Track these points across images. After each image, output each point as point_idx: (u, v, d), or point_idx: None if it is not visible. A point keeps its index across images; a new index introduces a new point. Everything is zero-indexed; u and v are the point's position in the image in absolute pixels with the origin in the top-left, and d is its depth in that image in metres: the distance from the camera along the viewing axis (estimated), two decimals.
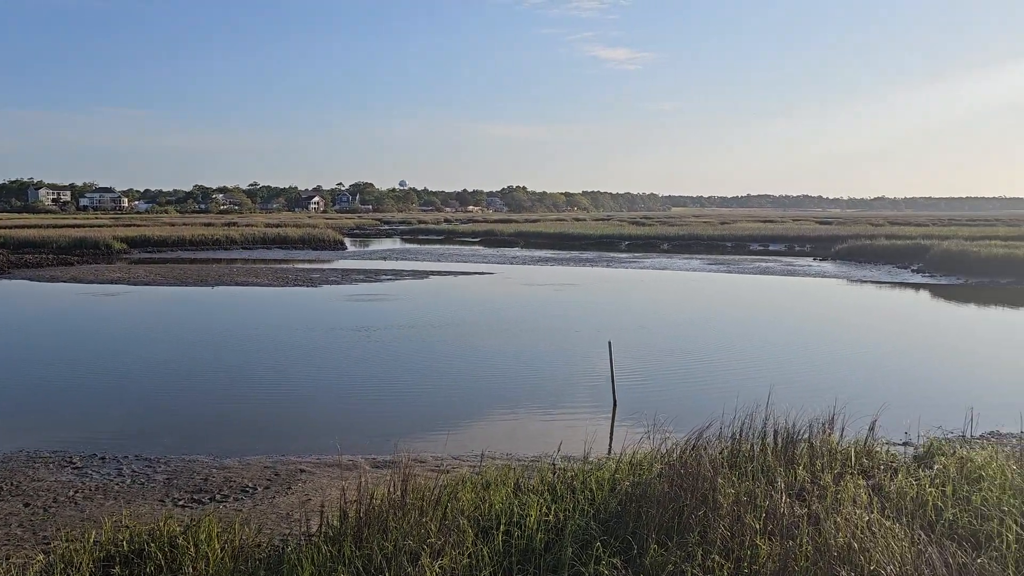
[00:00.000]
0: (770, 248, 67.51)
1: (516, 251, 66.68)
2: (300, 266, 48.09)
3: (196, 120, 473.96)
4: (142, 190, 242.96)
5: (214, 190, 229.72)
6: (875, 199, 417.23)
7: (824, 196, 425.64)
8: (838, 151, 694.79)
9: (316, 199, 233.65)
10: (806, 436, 7.99)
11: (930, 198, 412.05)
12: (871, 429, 8.48)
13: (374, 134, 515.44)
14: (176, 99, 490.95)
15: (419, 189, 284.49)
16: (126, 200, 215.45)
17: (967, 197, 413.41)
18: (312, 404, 15.05)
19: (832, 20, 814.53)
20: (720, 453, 7.82)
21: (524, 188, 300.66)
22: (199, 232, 69.05)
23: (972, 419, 9.43)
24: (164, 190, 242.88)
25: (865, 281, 39.56)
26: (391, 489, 6.69)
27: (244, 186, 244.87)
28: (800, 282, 39.36)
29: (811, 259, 54.56)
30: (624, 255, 60.06)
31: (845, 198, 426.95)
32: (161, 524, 6.52)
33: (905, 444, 10.64)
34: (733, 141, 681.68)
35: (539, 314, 27.36)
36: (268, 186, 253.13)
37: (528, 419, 13.99)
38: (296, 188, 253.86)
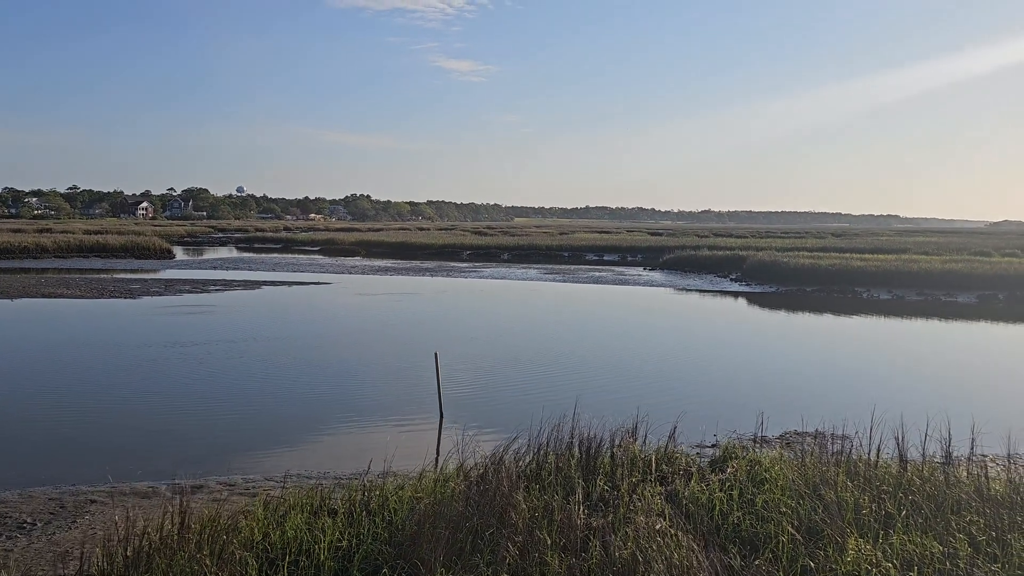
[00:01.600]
0: (604, 258, 69.96)
1: (356, 260, 65.49)
2: (120, 276, 44.84)
3: (6, 116, 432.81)
4: None
5: (27, 193, 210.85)
6: (702, 212, 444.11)
7: (657, 208, 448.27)
8: (670, 166, 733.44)
9: (144, 205, 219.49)
10: (609, 445, 8.13)
11: (751, 211, 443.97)
12: (671, 436, 8.76)
13: (210, 138, 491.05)
14: None
15: (258, 196, 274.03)
16: None
17: (783, 211, 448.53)
18: (111, 427, 13.87)
19: (671, 37, 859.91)
20: (525, 466, 7.82)
21: (368, 197, 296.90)
22: (5, 240, 62.89)
23: (763, 423, 9.97)
24: None
25: (689, 290, 41.74)
26: (171, 520, 6.17)
27: (62, 189, 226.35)
28: (629, 291, 40.96)
29: (642, 269, 57.03)
30: (465, 265, 60.34)
31: (675, 210, 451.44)
32: None
33: (703, 448, 11.09)
34: (573, 154, 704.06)
35: (371, 325, 26.84)
36: (90, 190, 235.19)
37: (350, 435, 13.56)
38: (122, 193, 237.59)
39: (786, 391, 17.33)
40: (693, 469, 8.35)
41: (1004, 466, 9.99)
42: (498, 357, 20.78)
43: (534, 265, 60.50)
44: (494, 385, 17.52)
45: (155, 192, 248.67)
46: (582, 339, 24.33)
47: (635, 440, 8.82)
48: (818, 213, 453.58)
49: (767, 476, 7.60)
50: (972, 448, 8.34)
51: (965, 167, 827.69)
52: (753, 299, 37.61)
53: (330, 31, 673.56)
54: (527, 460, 8.04)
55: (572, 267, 59.02)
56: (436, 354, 15.54)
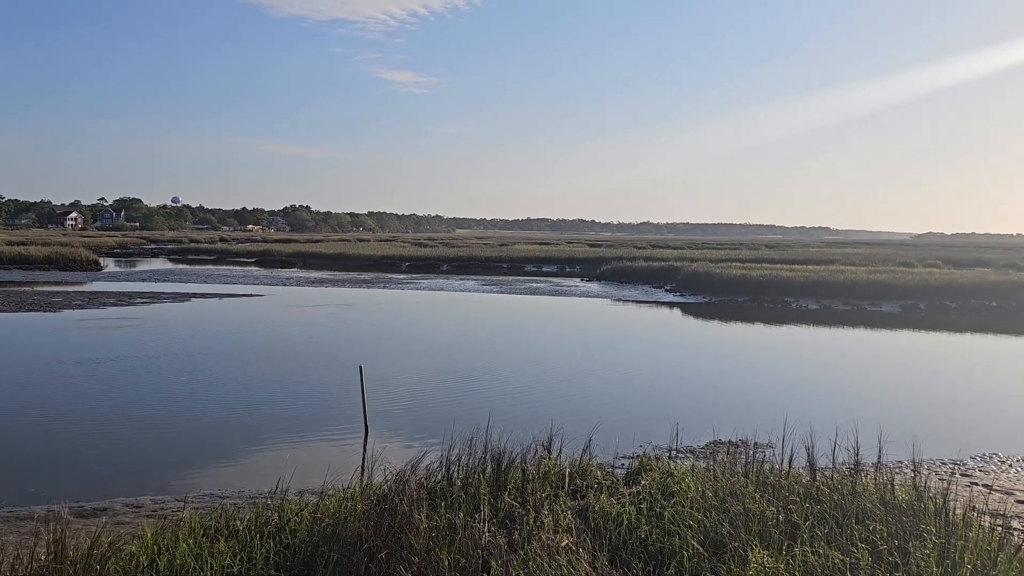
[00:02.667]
0: (543, 269, 70.19)
1: (293, 272, 64.40)
2: (42, 288, 43.15)
3: None
4: None
5: None
6: (641, 224, 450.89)
7: (597, 220, 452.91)
8: (611, 179, 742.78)
9: (74, 215, 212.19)
10: (521, 460, 7.98)
11: (689, 223, 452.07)
12: (585, 449, 8.66)
13: (144, 147, 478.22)
14: None
15: (194, 207, 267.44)
16: None
17: (720, 223, 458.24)
18: (11, 448, 13.14)
19: (613, 53, 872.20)
20: (435, 483, 7.63)
21: (308, 208, 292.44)
22: None
23: (678, 434, 9.97)
24: None
25: (624, 300, 42.05)
26: (46, 549, 5.79)
27: None
28: (565, 302, 41.08)
29: (579, 280, 57.32)
30: (403, 276, 59.84)
31: (616, 222, 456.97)
32: None
33: (621, 460, 11.01)
34: (516, 166, 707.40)
35: (299, 338, 26.28)
36: (15, 200, 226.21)
37: (271, 451, 13.14)
38: (50, 203, 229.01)
39: (708, 401, 17.42)
40: (608, 482, 8.27)
41: (911, 472, 10.18)
42: (427, 369, 20.53)
43: (473, 276, 60.31)
44: (421, 398, 17.27)
45: (85, 202, 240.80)
46: (511, 350, 24.24)
47: (550, 454, 8.70)
48: (753, 225, 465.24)
49: (678, 488, 7.55)
50: (880, 456, 8.45)
51: (893, 182, 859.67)
52: (685, 309, 38.08)
53: (271, 41, 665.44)
54: (439, 476, 7.85)
55: (511, 278, 59.01)
56: (361, 367, 15.22)
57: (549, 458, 8.55)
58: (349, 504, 6.68)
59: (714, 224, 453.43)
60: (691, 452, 11.49)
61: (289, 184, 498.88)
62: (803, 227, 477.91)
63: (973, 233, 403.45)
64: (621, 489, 7.87)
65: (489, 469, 7.67)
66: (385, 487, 6.81)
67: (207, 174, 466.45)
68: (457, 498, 7.02)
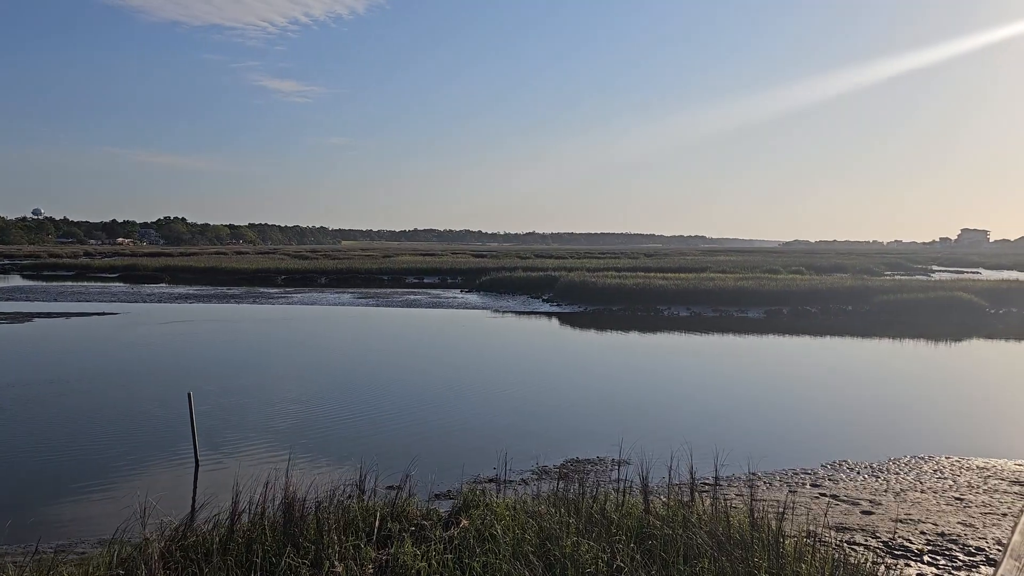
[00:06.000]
0: (425, 281, 69.01)
1: (158, 288, 60.69)
2: None
3: None
4: None
5: None
6: (527, 234, 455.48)
7: (484, 231, 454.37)
8: (500, 191, 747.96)
9: None
10: (315, 506, 6.95)
11: (573, 233, 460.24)
12: (400, 486, 7.67)
13: (2, 159, 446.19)
14: None
15: (58, 219, 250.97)
16: None
17: (602, 233, 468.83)
18: None
19: (501, 66, 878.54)
20: (222, 536, 6.53)
21: (183, 220, 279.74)
22: None
23: (507, 462, 9.19)
24: None
25: (500, 311, 41.46)
26: None
27: None
28: (439, 314, 40.11)
29: (459, 291, 56.49)
30: (276, 291, 57.34)
31: (503, 232, 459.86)
32: None
33: (448, 496, 10.07)
34: (403, 178, 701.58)
35: (138, 362, 24.22)
36: None
37: (89, 492, 11.57)
38: None
39: (557, 421, 16.41)
40: (429, 524, 7.38)
41: (763, 490, 9.77)
42: (273, 393, 19.10)
43: (350, 289, 58.47)
44: (257, 426, 15.84)
45: None
46: (361, 370, 23.04)
47: (363, 493, 7.73)
48: (634, 234, 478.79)
49: (497, 531, 6.74)
50: (716, 482, 7.93)
51: (765, 193, 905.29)
52: (559, 319, 37.84)
53: (142, 48, 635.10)
54: (225, 528, 6.74)
55: (389, 291, 57.55)
56: (190, 394, 13.82)
57: (361, 499, 7.58)
58: (81, 570, 5.50)
59: (597, 234, 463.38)
60: (525, 482, 10.64)
61: (164, 196, 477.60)
62: (681, 235, 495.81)
63: (835, 240, 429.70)
64: (437, 533, 6.98)
65: (281, 518, 6.62)
66: (126, 550, 5.67)
67: (73, 186, 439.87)
68: (227, 559, 5.95)
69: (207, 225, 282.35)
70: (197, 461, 13.06)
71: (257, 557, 5.95)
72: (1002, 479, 12.56)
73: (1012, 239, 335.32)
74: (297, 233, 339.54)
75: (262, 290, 57.74)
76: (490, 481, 10.07)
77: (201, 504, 9.06)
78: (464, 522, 7.23)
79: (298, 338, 30.58)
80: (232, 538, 6.43)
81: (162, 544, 6.23)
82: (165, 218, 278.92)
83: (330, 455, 13.43)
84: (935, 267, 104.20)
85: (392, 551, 6.60)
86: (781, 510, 7.40)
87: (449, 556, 6.29)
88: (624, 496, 7.67)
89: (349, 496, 7.39)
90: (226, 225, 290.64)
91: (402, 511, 7.47)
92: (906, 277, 67.32)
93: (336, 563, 6.13)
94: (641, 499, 7.54)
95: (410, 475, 7.95)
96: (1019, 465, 13.43)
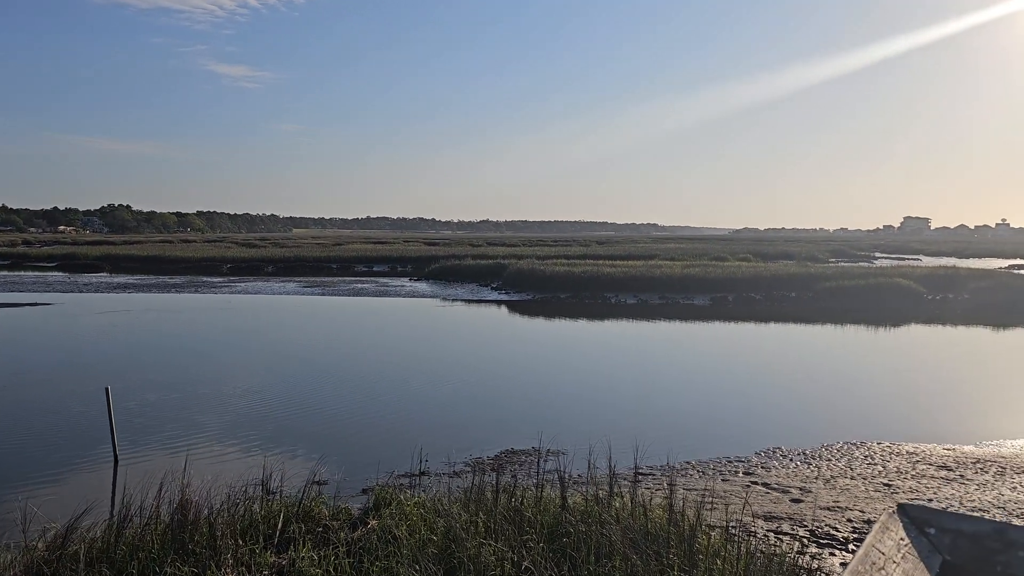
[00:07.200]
0: (374, 269, 68.16)
1: (97, 277, 58.87)
2: None
3: None
4: None
5: None
6: (481, 222, 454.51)
7: (438, 219, 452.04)
8: (455, 179, 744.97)
9: None
10: (210, 507, 6.55)
11: (526, 221, 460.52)
12: (309, 483, 7.29)
13: None
14: None
15: None
16: None
17: (555, 220, 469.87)
18: None
19: (460, 56, 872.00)
20: (104, 543, 6.10)
21: (128, 207, 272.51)
22: None
23: (423, 456, 8.87)
24: None
25: (448, 299, 41.05)
26: None
27: None
28: (387, 302, 39.55)
29: (408, 279, 55.89)
30: (220, 279, 56.05)
31: (456, 220, 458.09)
32: None
33: (363, 492, 9.67)
34: (356, 164, 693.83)
35: (66, 354, 23.33)
36: None
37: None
38: None
39: (486, 413, 16.02)
40: (335, 525, 7.03)
41: (692, 478, 9.61)
42: (201, 387, 18.46)
43: (297, 278, 57.43)
44: (181, 420, 15.24)
45: None
46: (296, 363, 22.46)
47: (269, 493, 7.34)
48: (587, 222, 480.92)
49: (403, 531, 6.42)
50: (636, 475, 7.71)
51: (716, 183, 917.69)
52: (507, 307, 37.58)
53: (88, 30, 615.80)
54: (114, 533, 6.30)
55: (337, 279, 56.65)
56: (107, 389, 13.25)
57: (266, 500, 7.19)
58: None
59: (551, 222, 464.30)
60: (451, 476, 10.27)
61: (109, 182, 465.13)
62: (633, 223, 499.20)
63: (783, 228, 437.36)
64: (342, 536, 6.63)
65: (170, 520, 6.21)
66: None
67: (13, 172, 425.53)
68: (102, 570, 5.53)
69: (153, 213, 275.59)
70: (116, 458, 12.52)
71: (134, 568, 5.53)
72: (930, 464, 12.64)
73: (952, 226, 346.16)
74: (247, 221, 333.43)
75: (205, 279, 56.40)
76: (408, 476, 9.68)
77: (91, 504, 8.55)
78: (372, 523, 6.90)
79: (236, 327, 29.80)
80: (119, 545, 6.00)
81: (37, 554, 5.79)
82: (109, 205, 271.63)
83: (251, 451, 12.92)
84: (878, 254, 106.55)
85: (291, 555, 6.24)
86: (701, 500, 7.22)
87: (348, 560, 5.95)
88: (541, 491, 7.40)
89: (251, 497, 6.99)
90: (173, 213, 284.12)
91: (308, 512, 7.10)
92: (850, 264, 68.56)
93: (228, 571, 5.75)
94: (559, 494, 7.28)
95: (325, 472, 7.60)
96: (947, 450, 13.56)
